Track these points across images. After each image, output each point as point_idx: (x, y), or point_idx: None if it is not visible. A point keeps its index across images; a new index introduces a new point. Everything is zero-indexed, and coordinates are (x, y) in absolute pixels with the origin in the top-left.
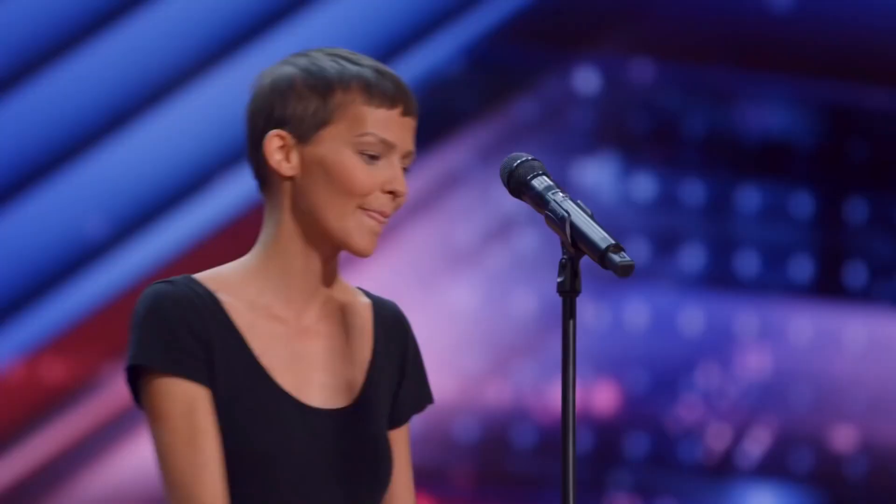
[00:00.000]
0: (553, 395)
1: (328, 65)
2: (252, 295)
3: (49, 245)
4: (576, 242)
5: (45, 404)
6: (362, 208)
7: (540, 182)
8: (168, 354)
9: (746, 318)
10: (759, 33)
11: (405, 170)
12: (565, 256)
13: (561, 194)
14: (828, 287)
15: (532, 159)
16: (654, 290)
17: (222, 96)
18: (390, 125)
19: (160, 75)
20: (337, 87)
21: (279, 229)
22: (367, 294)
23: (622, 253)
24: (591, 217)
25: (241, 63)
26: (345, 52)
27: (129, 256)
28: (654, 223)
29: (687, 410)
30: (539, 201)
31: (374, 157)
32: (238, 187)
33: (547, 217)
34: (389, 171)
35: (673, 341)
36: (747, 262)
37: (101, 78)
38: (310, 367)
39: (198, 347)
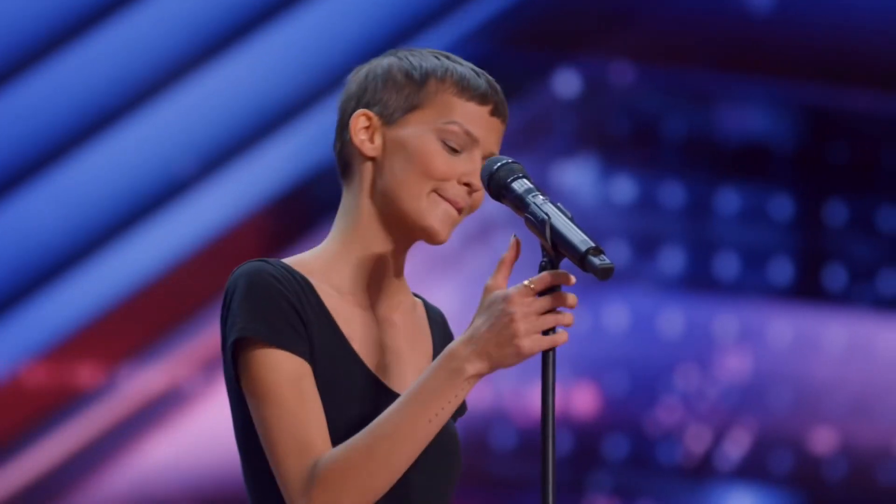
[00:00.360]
0: (533, 398)
1: (427, 57)
2: (336, 280)
3: (29, 249)
4: (556, 245)
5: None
6: (437, 193)
7: (520, 185)
8: (273, 328)
9: (726, 320)
10: (739, 36)
11: None
12: (545, 259)
13: (541, 197)
14: (807, 289)
15: (512, 162)
16: (633, 293)
17: (207, 97)
18: (478, 120)
19: (144, 77)
20: (431, 76)
21: (358, 213)
22: (415, 294)
23: (602, 255)
24: (571, 219)
25: (222, 66)
26: (446, 53)
27: (106, 263)
28: (634, 225)
29: (666, 412)
30: (519, 204)
31: (455, 150)
32: (218, 191)
33: (527, 220)
34: (469, 164)
35: (652, 343)
36: (727, 265)
37: (78, 83)
38: (391, 354)
39: (298, 323)
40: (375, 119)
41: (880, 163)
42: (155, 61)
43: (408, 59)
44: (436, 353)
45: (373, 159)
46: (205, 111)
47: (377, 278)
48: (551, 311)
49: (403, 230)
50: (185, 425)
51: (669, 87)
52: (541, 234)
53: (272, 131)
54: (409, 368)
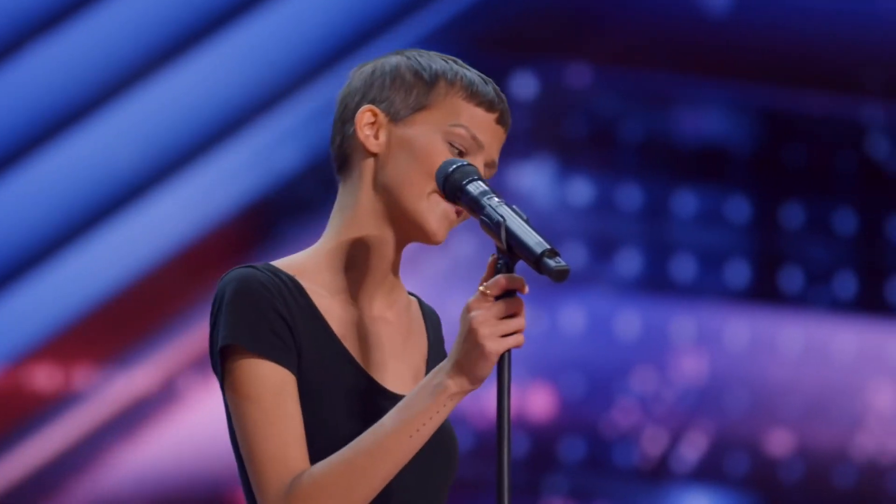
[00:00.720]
0: (489, 400)
1: (436, 59)
2: (328, 279)
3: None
4: (511, 247)
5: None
6: (439, 194)
7: (475, 187)
8: (258, 337)
9: (683, 322)
10: (696, 39)
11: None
12: (501, 261)
13: (496, 199)
14: (764, 292)
15: (467, 164)
16: (590, 295)
17: (170, 97)
18: (484, 126)
19: (104, 79)
20: (441, 77)
21: (356, 209)
22: (410, 293)
23: (558, 258)
24: (527, 222)
25: (184, 69)
26: (454, 57)
27: (72, 262)
28: (591, 228)
29: (623, 415)
30: (474, 206)
31: (460, 153)
32: (177, 193)
33: (482, 222)
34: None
35: (609, 346)
36: (684, 267)
37: (36, 86)
38: (385, 353)
39: (285, 332)
40: (381, 115)
41: (836, 165)
42: (113, 64)
43: (416, 59)
44: (430, 352)
45: (375, 155)
46: (166, 113)
47: (372, 276)
48: (510, 314)
49: (401, 228)
50: (152, 434)
51: (627, 89)
52: (496, 236)
53: (234, 133)
54: (405, 366)
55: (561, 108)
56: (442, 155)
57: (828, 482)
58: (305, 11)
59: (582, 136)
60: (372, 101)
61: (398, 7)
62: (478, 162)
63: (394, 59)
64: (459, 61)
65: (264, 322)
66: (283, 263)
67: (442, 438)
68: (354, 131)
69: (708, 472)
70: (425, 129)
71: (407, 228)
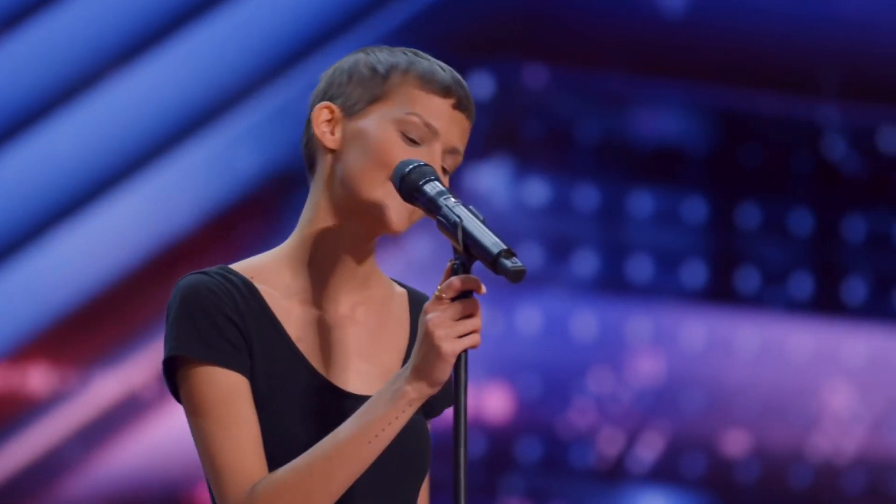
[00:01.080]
0: None
1: (396, 53)
2: (288, 280)
3: None
4: (468, 248)
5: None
6: (392, 182)
7: (432, 187)
8: (206, 344)
9: (639, 323)
10: (652, 39)
11: (447, 171)
12: (457, 261)
13: (453, 199)
14: (720, 292)
15: (424, 164)
16: (546, 295)
17: (127, 99)
18: (439, 112)
19: (62, 78)
20: (395, 69)
21: (316, 207)
22: (402, 284)
23: (514, 258)
24: (484, 222)
25: (140, 69)
26: (417, 51)
27: (26, 267)
28: (547, 228)
29: (579, 415)
30: (431, 206)
31: (415, 141)
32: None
33: (439, 222)
34: (428, 156)
35: (566, 346)
36: (640, 268)
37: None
38: (347, 354)
39: (236, 336)
40: (338, 111)
41: (792, 166)
42: (69, 66)
43: (375, 54)
44: (412, 346)
45: (333, 151)
46: (123, 115)
47: (336, 273)
48: (466, 315)
49: (361, 220)
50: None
51: (583, 90)
52: (453, 236)
53: (192, 134)
54: (371, 366)
55: (517, 108)
56: (395, 144)
57: (784, 482)
58: (264, 13)
59: (538, 136)
60: (330, 98)
61: (356, 8)
62: (434, 149)
63: (354, 57)
64: (423, 54)
65: (212, 328)
66: (241, 266)
67: (407, 442)
68: (313, 129)
69: (664, 473)
70: (379, 120)
71: (367, 220)
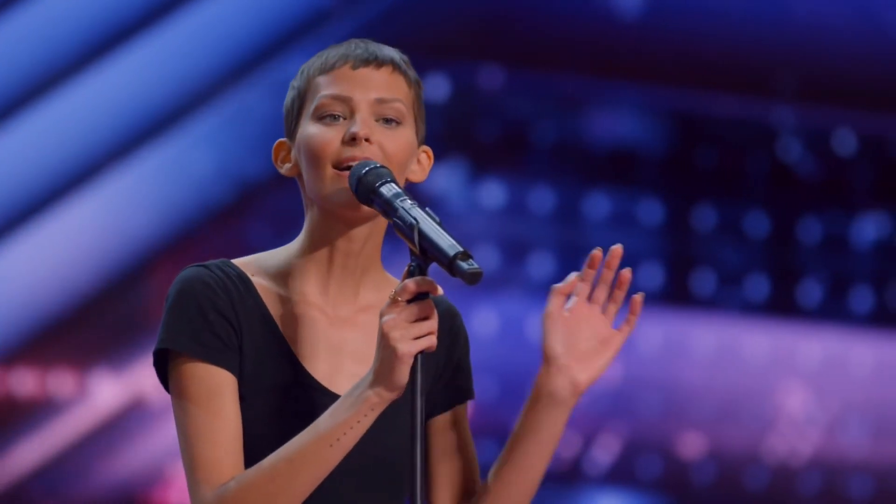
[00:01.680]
0: None
1: (305, 64)
2: (289, 281)
3: None
4: (424, 250)
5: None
6: (336, 168)
7: (388, 189)
8: (196, 340)
9: None
10: (608, 41)
11: (392, 122)
12: (414, 263)
13: (409, 201)
14: (676, 294)
15: (380, 166)
16: (503, 297)
17: (83, 104)
18: (340, 80)
19: (26, 80)
20: (303, 73)
21: (307, 222)
22: None
23: (470, 260)
24: (440, 224)
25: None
26: (349, 41)
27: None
28: (504, 230)
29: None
30: (387, 208)
31: (334, 117)
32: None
33: (395, 224)
34: (349, 123)
35: (522, 348)
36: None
37: None
38: (342, 357)
39: (227, 332)
40: (286, 141)
41: (748, 168)
42: (23, 71)
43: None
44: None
45: (299, 175)
46: (79, 119)
47: (335, 279)
48: (421, 317)
49: (341, 223)
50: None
51: (539, 91)
52: (409, 238)
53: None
54: (365, 371)
55: (473, 110)
56: (314, 134)
57: (739, 484)
58: (223, 17)
59: (494, 138)
60: (285, 136)
61: (312, 13)
62: (361, 109)
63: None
64: (355, 41)
65: (204, 323)
66: (242, 261)
67: (387, 449)
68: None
69: (620, 475)
70: (303, 125)
71: (340, 220)
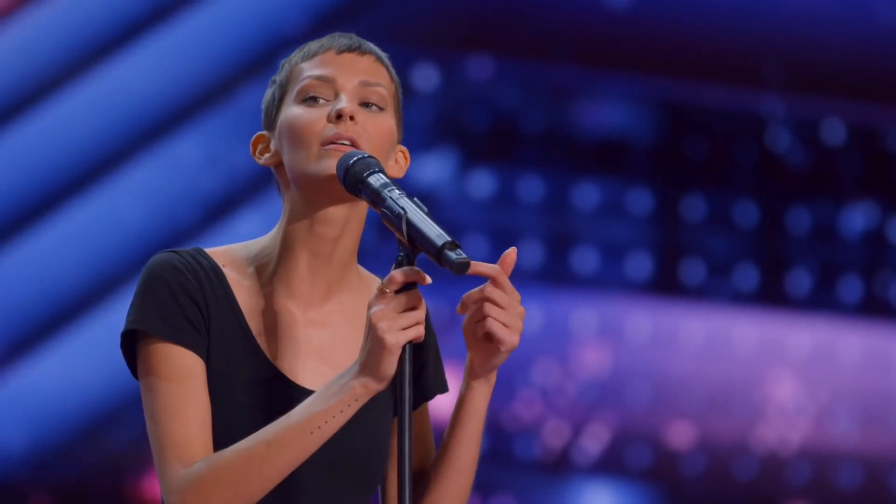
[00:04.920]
0: None
1: (299, 49)
2: (261, 274)
3: None
4: (412, 240)
5: None
6: (322, 145)
7: (376, 179)
8: (166, 322)
9: (584, 314)
10: (597, 31)
11: (375, 107)
12: (402, 253)
13: (397, 191)
14: (666, 284)
15: (368, 156)
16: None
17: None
18: (325, 63)
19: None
20: (286, 65)
21: (284, 212)
22: None
23: (459, 250)
24: (428, 214)
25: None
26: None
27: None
28: (492, 220)
29: (524, 407)
30: (375, 198)
31: (316, 99)
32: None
33: (383, 214)
34: (334, 102)
35: None
36: (585, 259)
37: None
38: (306, 352)
39: (196, 317)
40: (265, 133)
41: (737, 158)
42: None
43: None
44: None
45: (277, 165)
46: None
47: (308, 275)
48: (409, 308)
49: (322, 200)
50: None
51: (528, 81)
52: (397, 228)
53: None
54: (329, 368)
55: (462, 100)
56: (299, 116)
57: (729, 474)
58: (232, 14)
59: (483, 128)
60: (263, 128)
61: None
62: (346, 90)
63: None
64: (329, 35)
65: (175, 306)
66: (215, 251)
67: (356, 444)
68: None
69: (610, 465)
70: (285, 110)
71: (324, 198)
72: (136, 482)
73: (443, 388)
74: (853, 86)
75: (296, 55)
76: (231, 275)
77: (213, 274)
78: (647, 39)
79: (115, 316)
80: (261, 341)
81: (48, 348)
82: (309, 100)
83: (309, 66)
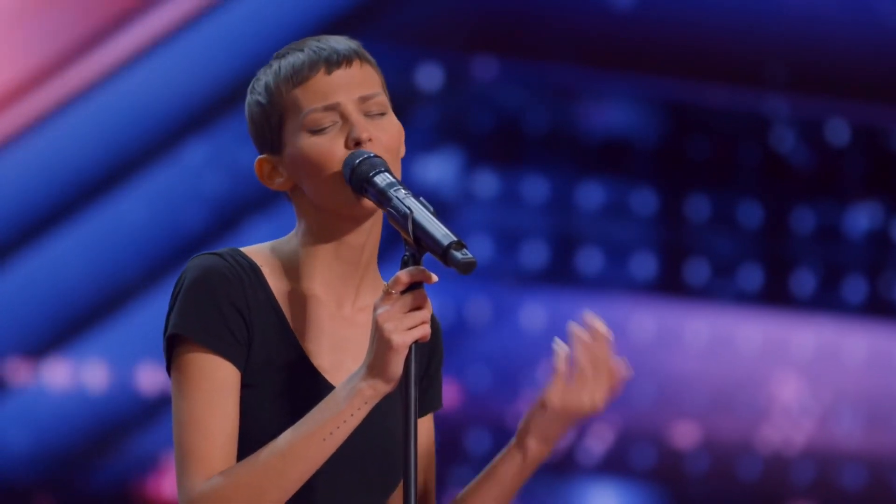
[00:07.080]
0: None
1: (264, 76)
2: (295, 274)
3: None
4: (418, 239)
5: None
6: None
7: (382, 179)
8: (208, 329)
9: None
10: (601, 32)
11: (378, 115)
12: (408, 253)
13: (403, 191)
14: (670, 284)
15: (374, 156)
16: (496, 287)
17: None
18: (319, 90)
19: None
20: (272, 90)
21: (308, 226)
22: None
23: (464, 250)
24: (434, 214)
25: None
26: (291, 45)
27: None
28: (497, 220)
29: (529, 406)
30: (381, 198)
31: (328, 128)
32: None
33: (389, 214)
34: (346, 128)
35: (515, 338)
36: (590, 259)
37: None
38: (344, 353)
39: (238, 326)
40: (268, 157)
41: (741, 158)
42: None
43: (253, 87)
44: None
45: (292, 189)
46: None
47: (339, 276)
48: (415, 307)
49: (349, 222)
50: None
51: (532, 82)
52: (403, 228)
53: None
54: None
55: (467, 100)
56: (315, 148)
57: (733, 474)
58: (255, 15)
59: (488, 128)
60: (260, 151)
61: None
62: (351, 112)
63: (246, 101)
64: (292, 45)
65: (218, 315)
66: (253, 250)
67: (377, 440)
68: (266, 184)
69: (614, 465)
70: (293, 141)
71: (352, 222)
72: (140, 485)
73: (437, 406)
74: (857, 86)
75: (281, 75)
76: (269, 274)
77: (252, 273)
78: (650, 40)
79: (122, 321)
80: (302, 341)
81: (59, 351)
82: (318, 131)
83: (304, 95)
